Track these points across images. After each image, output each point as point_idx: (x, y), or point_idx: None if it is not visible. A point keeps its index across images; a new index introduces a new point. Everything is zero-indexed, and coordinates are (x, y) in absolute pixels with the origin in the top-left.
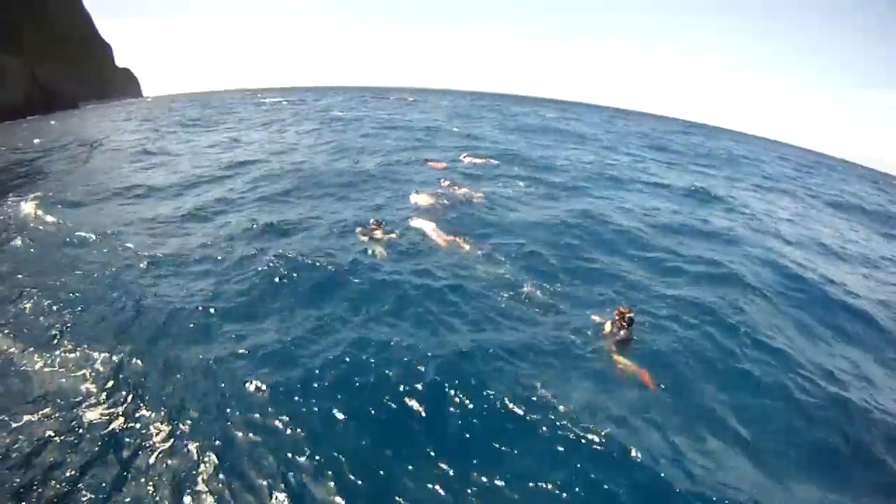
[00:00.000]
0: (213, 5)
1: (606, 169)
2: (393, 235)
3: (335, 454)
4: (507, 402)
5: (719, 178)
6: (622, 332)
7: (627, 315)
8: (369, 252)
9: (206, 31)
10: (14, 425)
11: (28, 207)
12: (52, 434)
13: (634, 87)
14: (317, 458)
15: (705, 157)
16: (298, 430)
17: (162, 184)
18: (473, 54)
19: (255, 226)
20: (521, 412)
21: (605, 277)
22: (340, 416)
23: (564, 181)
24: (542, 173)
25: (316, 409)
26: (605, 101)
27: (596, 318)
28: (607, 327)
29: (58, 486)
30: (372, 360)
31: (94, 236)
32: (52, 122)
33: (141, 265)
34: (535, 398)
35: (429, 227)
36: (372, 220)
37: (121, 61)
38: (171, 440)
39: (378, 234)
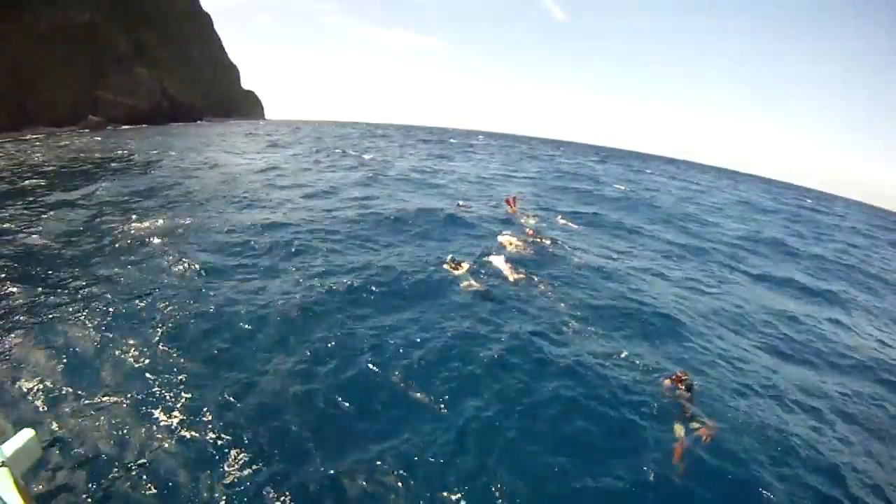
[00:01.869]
0: (337, 42)
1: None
2: (464, 267)
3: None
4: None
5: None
6: (684, 396)
7: (685, 379)
8: (450, 278)
9: (329, 64)
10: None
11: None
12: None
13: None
14: None
15: None
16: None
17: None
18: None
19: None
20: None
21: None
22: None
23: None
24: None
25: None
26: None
27: (666, 382)
28: (667, 384)
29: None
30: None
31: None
32: (175, 131)
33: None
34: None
35: (504, 265)
36: (449, 258)
37: (247, 84)
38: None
39: (457, 269)
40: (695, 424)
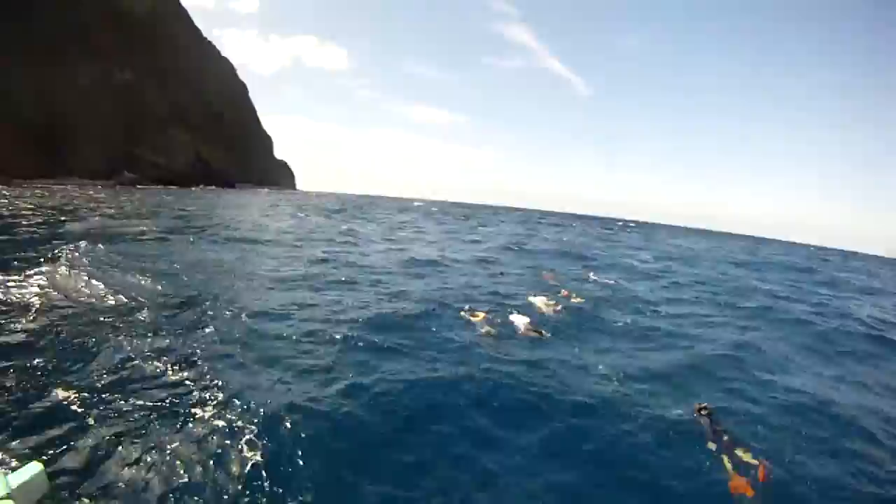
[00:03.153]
0: (368, 116)
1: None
2: (480, 315)
3: None
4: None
5: None
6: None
7: (704, 408)
8: (470, 325)
9: (361, 138)
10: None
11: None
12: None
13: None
14: None
15: None
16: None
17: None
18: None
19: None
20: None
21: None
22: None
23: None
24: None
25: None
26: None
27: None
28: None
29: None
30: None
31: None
32: (213, 195)
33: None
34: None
35: (522, 320)
36: (467, 307)
37: (279, 154)
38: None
39: (474, 318)
40: (742, 454)
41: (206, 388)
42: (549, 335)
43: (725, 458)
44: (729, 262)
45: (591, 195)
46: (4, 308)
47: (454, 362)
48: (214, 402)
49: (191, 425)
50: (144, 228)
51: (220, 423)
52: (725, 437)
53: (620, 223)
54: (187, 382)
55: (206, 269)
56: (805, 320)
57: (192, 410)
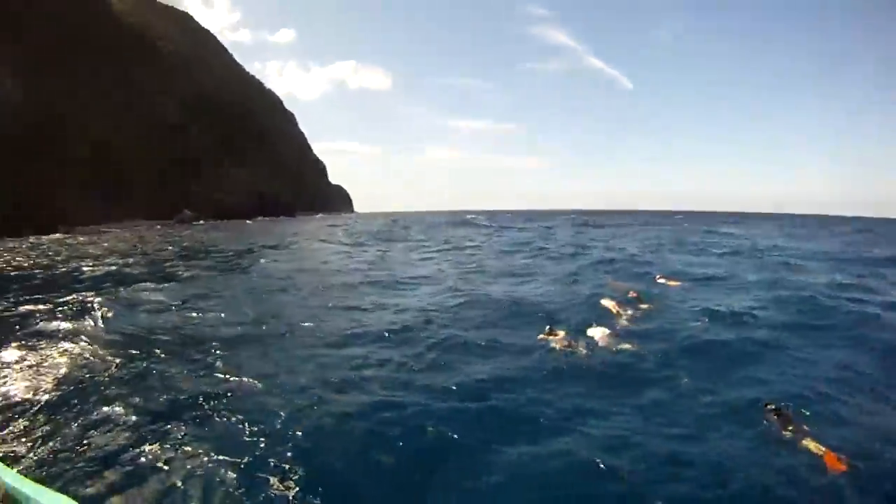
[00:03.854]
0: (418, 133)
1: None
2: (559, 334)
3: None
4: None
5: None
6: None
7: (769, 407)
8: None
9: (414, 157)
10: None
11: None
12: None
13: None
14: None
15: None
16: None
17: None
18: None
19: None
20: None
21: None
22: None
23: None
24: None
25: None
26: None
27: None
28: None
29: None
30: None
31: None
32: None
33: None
34: None
35: (601, 331)
36: (547, 328)
37: (334, 178)
38: None
39: (552, 336)
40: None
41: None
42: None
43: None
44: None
45: (652, 189)
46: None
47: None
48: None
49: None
50: (202, 263)
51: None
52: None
53: (716, 218)
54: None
55: (265, 297)
56: None
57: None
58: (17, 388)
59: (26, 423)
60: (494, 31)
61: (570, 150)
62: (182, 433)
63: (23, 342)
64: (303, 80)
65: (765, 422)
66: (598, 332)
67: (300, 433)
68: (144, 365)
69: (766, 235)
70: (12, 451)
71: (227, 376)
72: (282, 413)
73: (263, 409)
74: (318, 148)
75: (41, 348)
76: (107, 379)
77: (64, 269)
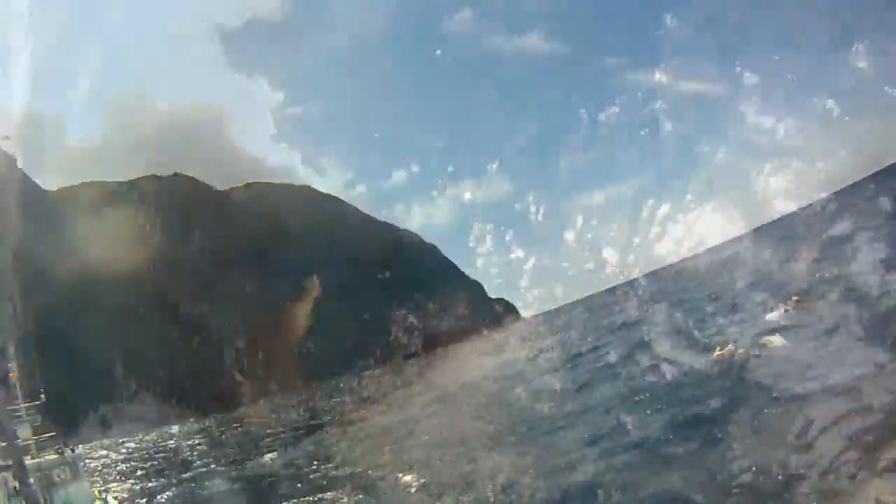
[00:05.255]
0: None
1: None
2: (728, 350)
3: None
4: None
5: None
6: None
7: None
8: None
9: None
10: None
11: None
12: None
13: None
14: None
15: None
16: None
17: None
18: None
19: None
20: None
21: None
22: None
23: None
24: None
25: None
26: None
27: None
28: None
29: None
30: None
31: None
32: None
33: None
34: None
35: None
36: (718, 349)
37: (495, 292)
38: None
39: (721, 354)
40: None
41: None
42: None
43: None
44: None
45: None
46: None
47: None
48: None
49: None
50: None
51: None
52: None
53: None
54: None
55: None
56: None
57: None
58: None
59: None
60: None
61: None
62: None
63: None
64: (434, 205)
65: None
66: (776, 339)
67: None
68: None
69: None
70: None
71: None
72: None
73: None
74: (470, 266)
75: None
76: None
77: None
